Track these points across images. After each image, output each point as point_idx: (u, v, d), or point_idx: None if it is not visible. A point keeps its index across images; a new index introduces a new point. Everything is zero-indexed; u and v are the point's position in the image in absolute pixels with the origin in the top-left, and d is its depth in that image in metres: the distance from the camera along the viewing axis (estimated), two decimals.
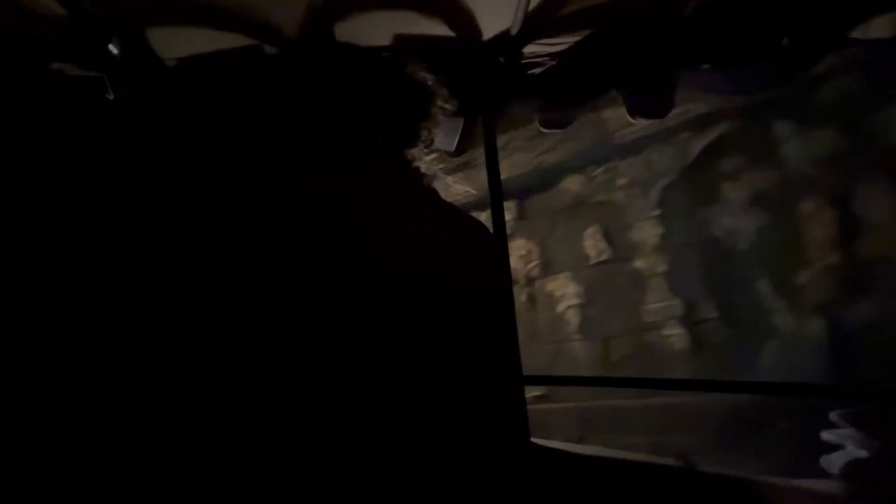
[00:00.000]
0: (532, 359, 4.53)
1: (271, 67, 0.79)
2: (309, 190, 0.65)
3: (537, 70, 1.55)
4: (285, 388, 0.56)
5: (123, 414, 0.53)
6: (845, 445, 1.14)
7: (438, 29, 1.39)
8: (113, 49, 1.33)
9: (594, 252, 4.45)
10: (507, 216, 4.74)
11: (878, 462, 1.08)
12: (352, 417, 0.58)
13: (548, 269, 4.76)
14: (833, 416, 1.23)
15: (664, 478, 1.29)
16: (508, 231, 4.74)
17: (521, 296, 4.73)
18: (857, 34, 1.35)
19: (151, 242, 0.63)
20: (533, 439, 1.39)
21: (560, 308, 4.62)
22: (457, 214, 0.78)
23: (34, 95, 1.23)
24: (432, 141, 0.89)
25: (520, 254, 4.86)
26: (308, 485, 0.56)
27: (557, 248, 4.71)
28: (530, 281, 4.84)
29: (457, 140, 1.76)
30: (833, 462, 1.13)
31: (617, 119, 3.95)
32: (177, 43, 1.37)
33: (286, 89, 0.77)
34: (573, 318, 4.53)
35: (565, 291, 4.61)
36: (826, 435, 1.19)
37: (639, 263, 4.21)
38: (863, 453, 1.11)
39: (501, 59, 1.51)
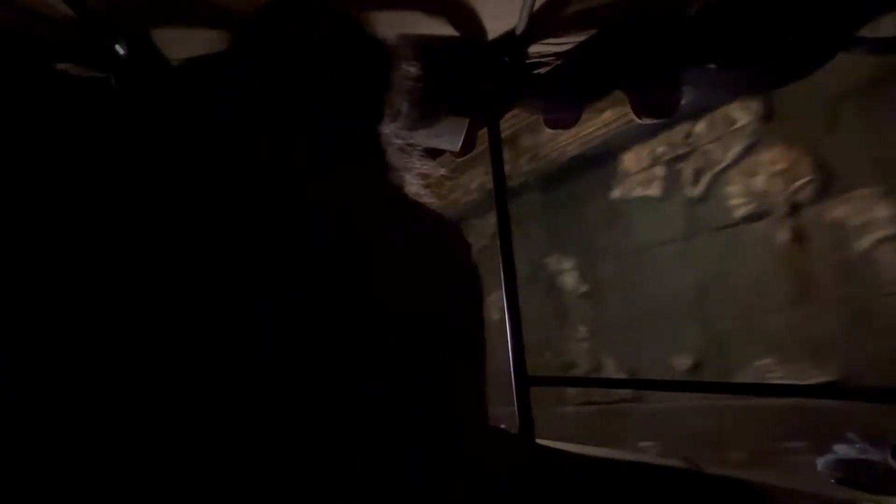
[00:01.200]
0: (810, 325, 2.98)
1: (267, 62, 0.76)
2: (305, 189, 0.64)
3: (542, 70, 1.55)
4: (284, 388, 0.56)
5: (122, 413, 0.53)
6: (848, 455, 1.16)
7: (443, 29, 1.39)
8: (119, 49, 1.34)
9: None
10: (746, 118, 3.37)
11: (863, 462, 1.08)
12: (352, 417, 0.58)
13: (829, 187, 3.02)
14: (850, 434, 1.24)
15: (669, 479, 1.28)
16: (750, 141, 3.30)
17: (779, 232, 3.21)
18: (865, 33, 1.34)
19: (153, 242, 0.63)
20: (538, 440, 1.39)
21: (860, 245, 2.89)
22: (440, 218, 0.76)
23: (39, 95, 1.24)
24: (399, 113, 0.85)
25: (773, 171, 3.26)
26: (308, 485, 0.56)
27: (847, 153, 2.92)
28: (795, 208, 3.14)
29: (461, 140, 1.76)
30: (822, 462, 1.14)
31: None
32: (183, 43, 1.38)
33: (283, 88, 0.75)
34: (888, 257, 2.78)
35: (869, 217, 2.86)
36: (837, 447, 1.19)
37: None
38: (852, 455, 1.12)
39: (506, 59, 1.50)
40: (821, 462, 1.22)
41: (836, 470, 1.25)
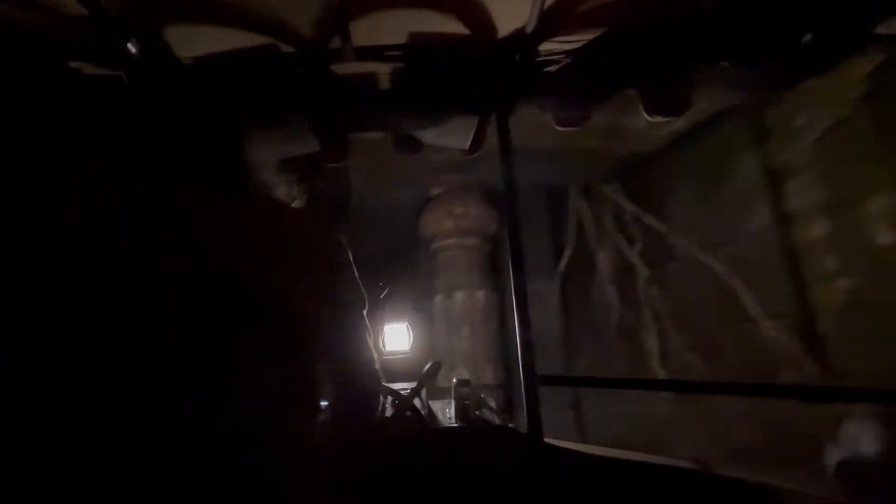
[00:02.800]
0: None
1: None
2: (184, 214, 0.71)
3: (552, 68, 1.54)
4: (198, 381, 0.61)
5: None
6: (851, 446, 1.11)
7: (454, 27, 1.38)
8: (131, 48, 1.35)
9: None
10: None
11: (874, 463, 1.05)
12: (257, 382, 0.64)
13: None
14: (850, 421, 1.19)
15: (677, 479, 1.28)
16: None
17: None
18: (882, 29, 1.32)
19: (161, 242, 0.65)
20: (546, 439, 1.38)
21: None
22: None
23: (53, 93, 1.25)
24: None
25: None
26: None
27: None
28: None
29: (471, 138, 1.76)
30: (830, 459, 1.10)
31: None
32: (194, 42, 1.38)
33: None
34: None
35: None
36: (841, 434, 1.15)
37: None
38: (863, 452, 1.08)
39: (517, 57, 1.50)
40: (830, 464, 1.17)
41: (842, 474, 1.20)
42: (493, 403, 1.86)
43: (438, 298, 3.99)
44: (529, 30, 1.38)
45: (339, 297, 0.79)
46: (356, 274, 0.84)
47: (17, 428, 0.55)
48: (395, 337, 3.32)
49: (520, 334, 1.50)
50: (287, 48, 1.41)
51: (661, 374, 3.02)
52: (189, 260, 0.65)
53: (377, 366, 0.86)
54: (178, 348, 0.60)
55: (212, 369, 0.61)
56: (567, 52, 1.50)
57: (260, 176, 0.90)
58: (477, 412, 1.66)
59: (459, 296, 3.92)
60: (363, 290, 0.84)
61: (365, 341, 0.83)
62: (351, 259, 0.84)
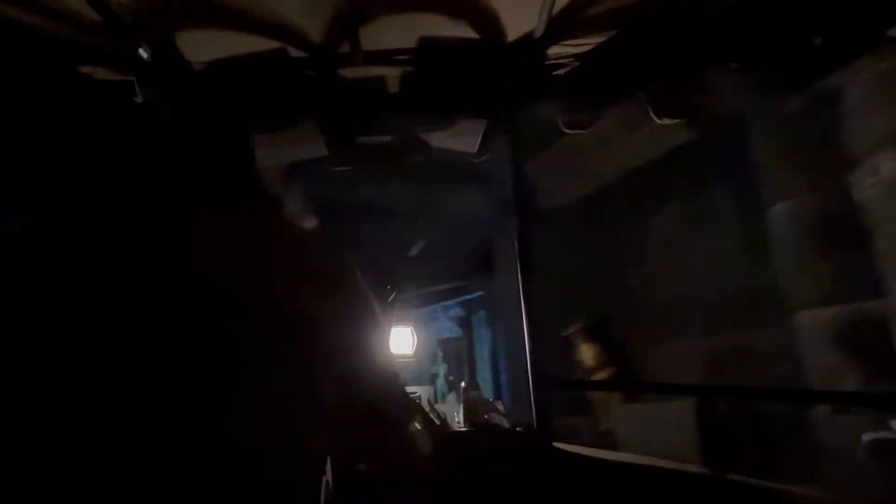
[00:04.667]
0: None
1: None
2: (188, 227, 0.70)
3: (561, 71, 1.54)
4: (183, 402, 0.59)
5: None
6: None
7: (463, 31, 1.39)
8: (143, 53, 1.36)
9: None
10: None
11: None
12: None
13: None
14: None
15: (688, 485, 1.28)
16: None
17: None
18: (894, 32, 1.31)
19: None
20: (556, 444, 1.38)
21: None
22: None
23: (64, 99, 1.25)
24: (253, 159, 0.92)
25: None
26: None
27: None
28: None
29: (479, 142, 1.76)
30: (866, 438, 1.11)
31: None
32: (205, 46, 1.39)
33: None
34: None
35: None
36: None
37: None
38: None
39: (525, 61, 1.50)
40: (864, 441, 1.16)
41: (873, 451, 1.20)
42: (500, 407, 1.86)
43: (882, 166, 1.65)
44: (538, 34, 1.38)
45: (349, 318, 0.77)
46: (369, 297, 0.82)
47: (12, 433, 0.55)
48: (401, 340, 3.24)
49: (528, 340, 1.49)
50: (296, 53, 1.42)
51: None
52: (189, 274, 0.64)
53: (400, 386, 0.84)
54: (175, 362, 0.60)
55: (211, 386, 0.60)
56: (575, 56, 1.50)
57: (269, 187, 0.89)
58: (486, 416, 1.66)
59: None
60: (376, 312, 0.82)
61: (383, 364, 0.81)
62: (361, 280, 0.81)
